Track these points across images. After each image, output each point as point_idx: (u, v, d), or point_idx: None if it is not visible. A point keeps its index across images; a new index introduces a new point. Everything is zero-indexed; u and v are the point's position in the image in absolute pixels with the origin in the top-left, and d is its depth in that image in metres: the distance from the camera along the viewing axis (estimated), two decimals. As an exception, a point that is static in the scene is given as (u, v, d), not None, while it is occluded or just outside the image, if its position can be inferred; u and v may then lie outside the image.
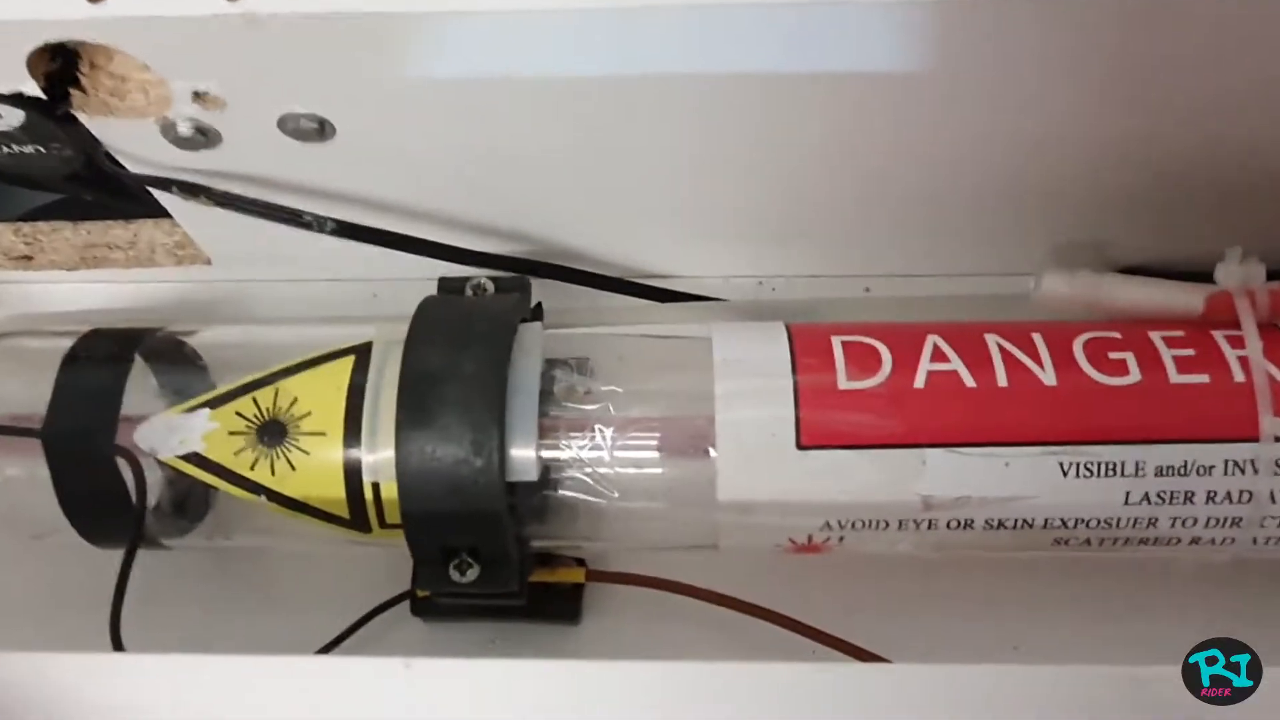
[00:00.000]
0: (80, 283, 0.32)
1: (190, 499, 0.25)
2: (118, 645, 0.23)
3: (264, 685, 0.19)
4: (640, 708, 0.18)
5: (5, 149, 0.27)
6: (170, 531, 0.25)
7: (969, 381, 0.22)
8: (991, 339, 0.23)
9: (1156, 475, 0.22)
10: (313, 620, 0.27)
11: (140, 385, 0.25)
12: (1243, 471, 0.22)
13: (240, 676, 0.19)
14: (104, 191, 0.30)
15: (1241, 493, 0.22)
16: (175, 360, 0.26)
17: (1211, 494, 0.22)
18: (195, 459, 0.23)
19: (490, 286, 0.25)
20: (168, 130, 0.24)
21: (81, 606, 0.24)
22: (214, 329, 0.28)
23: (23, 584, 0.28)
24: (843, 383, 0.23)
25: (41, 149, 0.27)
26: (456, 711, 0.17)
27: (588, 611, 0.27)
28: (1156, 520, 0.22)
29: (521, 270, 0.27)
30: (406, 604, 0.27)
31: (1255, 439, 0.22)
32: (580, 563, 0.27)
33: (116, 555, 0.24)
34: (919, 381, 0.23)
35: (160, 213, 0.31)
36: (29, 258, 0.32)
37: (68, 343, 0.26)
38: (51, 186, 0.31)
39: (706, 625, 0.26)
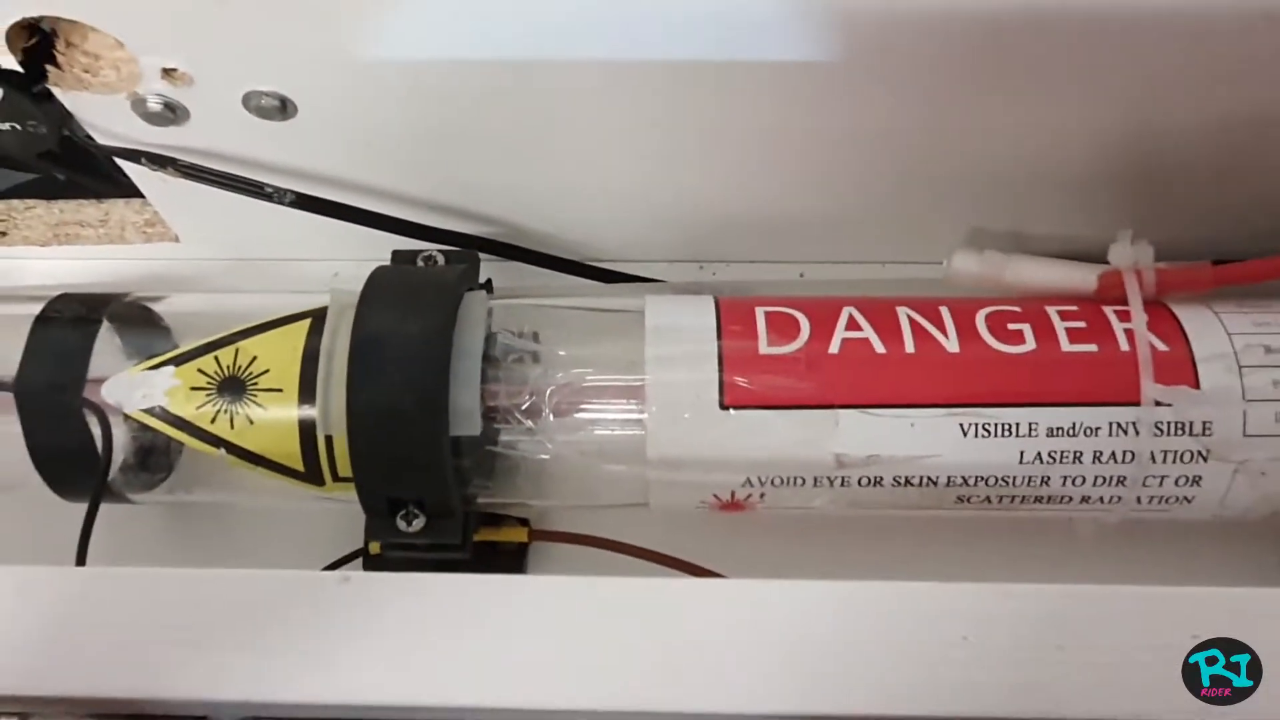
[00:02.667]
0: (52, 259, 0.33)
1: (154, 455, 0.27)
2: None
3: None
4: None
5: (-19, 126, 0.28)
6: (135, 486, 0.27)
7: (879, 348, 0.24)
8: (902, 311, 0.25)
9: (1048, 435, 0.24)
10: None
11: (108, 348, 0.27)
12: (1125, 433, 0.24)
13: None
14: (77, 170, 0.32)
15: (1125, 453, 0.24)
16: (141, 324, 0.28)
17: (1098, 454, 0.24)
18: (159, 413, 0.25)
19: (440, 258, 0.27)
20: (138, 105, 0.26)
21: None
22: (179, 296, 0.29)
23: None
24: (763, 348, 0.24)
25: (17, 126, 0.28)
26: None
27: (531, 570, 0.29)
28: (1049, 479, 0.24)
29: (473, 247, 0.29)
30: (359, 561, 0.28)
31: (1137, 403, 0.24)
32: (524, 523, 0.29)
33: (79, 514, 0.25)
34: (834, 348, 0.24)
35: (131, 192, 0.33)
36: (3, 234, 0.33)
37: (38, 307, 0.27)
38: (25, 164, 0.32)
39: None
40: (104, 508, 0.26)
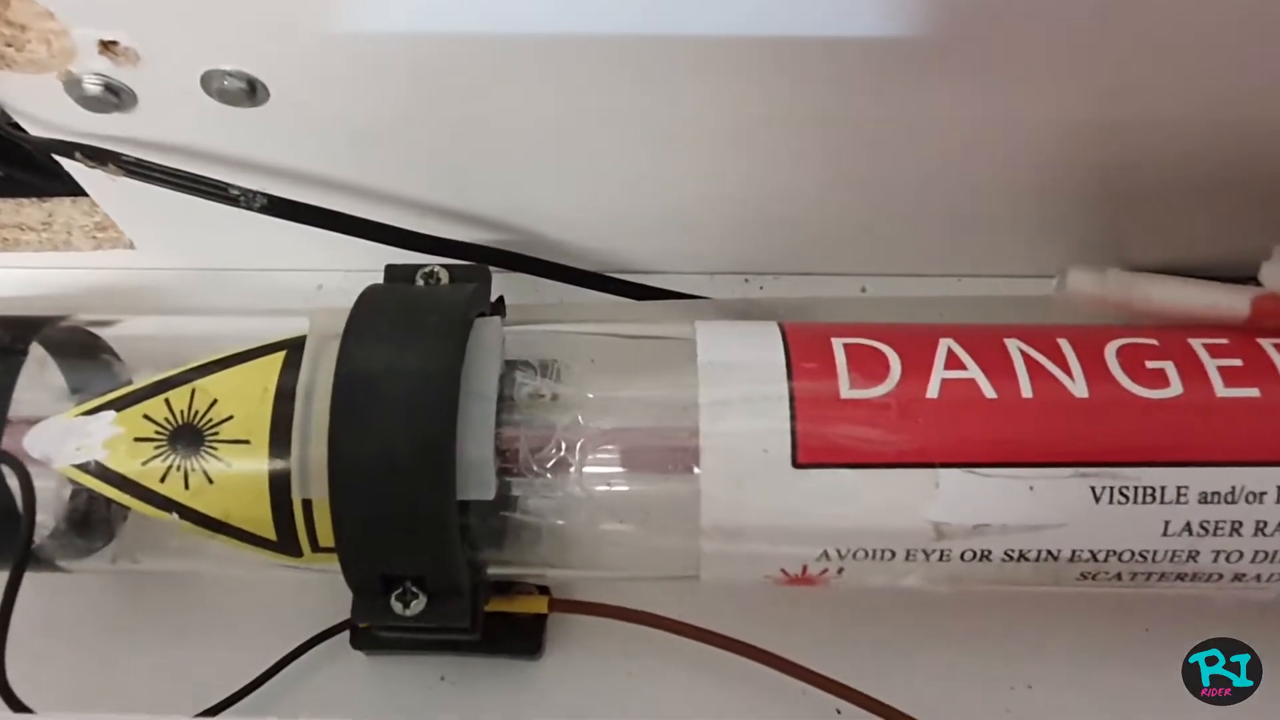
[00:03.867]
0: (-14, 268, 0.29)
1: (95, 515, 0.22)
2: (3, 685, 0.20)
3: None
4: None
5: (-105, 113, 0.23)
6: (69, 552, 0.22)
7: (988, 392, 0.20)
8: (1013, 344, 0.21)
9: (1200, 502, 0.19)
10: (242, 652, 0.24)
11: (40, 384, 0.22)
12: (1297, 498, 0.19)
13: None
14: (13, 164, 0.27)
15: (1294, 523, 0.19)
16: (85, 354, 0.23)
17: (1261, 525, 0.19)
18: (95, 469, 0.20)
19: (444, 275, 0.23)
20: (72, 87, 0.21)
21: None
22: (132, 319, 0.24)
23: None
24: (845, 391, 0.20)
25: (-64, 114, 0.24)
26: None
27: (550, 644, 0.25)
28: (1198, 554, 0.20)
29: (481, 259, 0.25)
30: (346, 635, 0.24)
31: (1311, 462, 0.19)
32: (543, 590, 0.24)
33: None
34: (932, 391, 0.20)
35: (80, 190, 0.28)
36: (-73, 238, 0.28)
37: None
38: (-47, 158, 0.27)
39: (682, 661, 0.24)
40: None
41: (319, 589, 0.24)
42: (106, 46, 0.20)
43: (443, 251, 0.25)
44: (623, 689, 0.24)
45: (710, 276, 0.28)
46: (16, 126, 0.23)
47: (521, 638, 0.24)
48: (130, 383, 0.22)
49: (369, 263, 0.25)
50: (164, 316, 0.25)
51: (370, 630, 0.24)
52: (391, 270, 0.23)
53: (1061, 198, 0.25)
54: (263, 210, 0.22)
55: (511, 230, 0.26)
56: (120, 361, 0.23)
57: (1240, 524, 0.19)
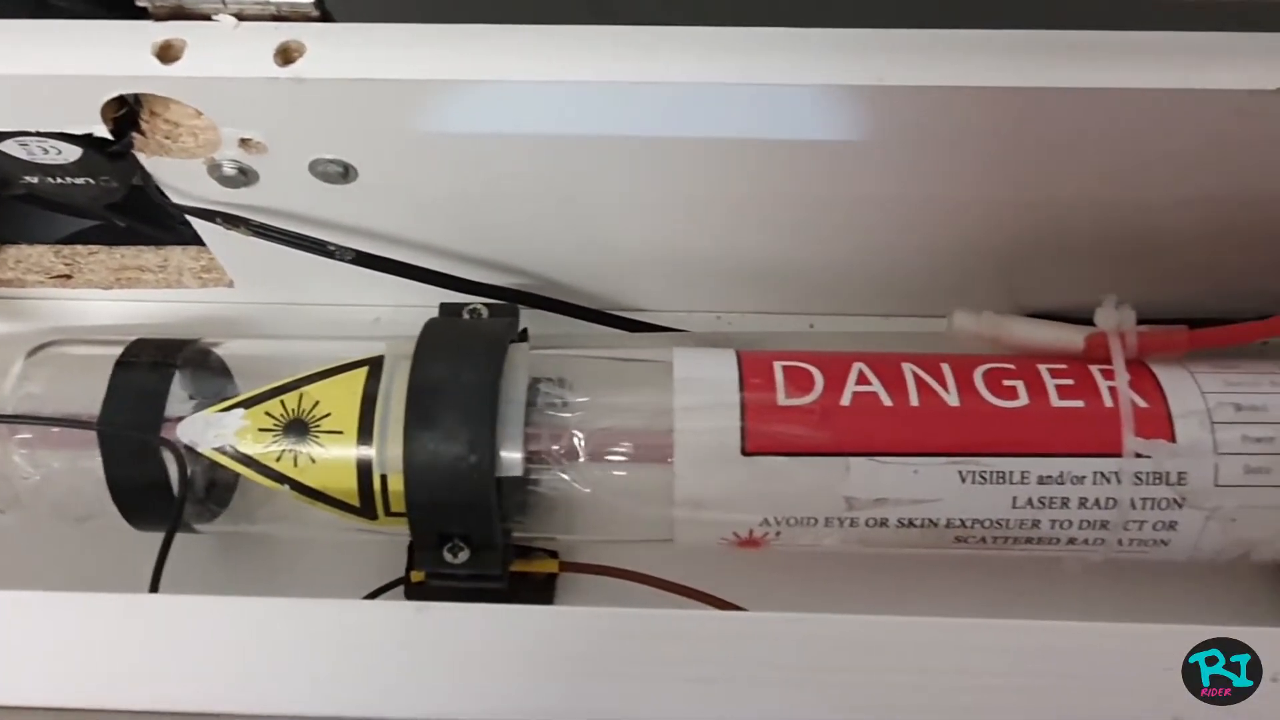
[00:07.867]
0: (112, 300, 0.36)
1: (215, 489, 0.29)
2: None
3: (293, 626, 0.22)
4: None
5: (56, 179, 0.31)
6: (201, 517, 0.29)
7: (886, 401, 0.27)
8: (907, 367, 0.27)
9: (1038, 483, 0.26)
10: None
11: (173, 388, 0.29)
12: (1109, 481, 0.26)
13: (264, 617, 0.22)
14: (137, 219, 0.34)
15: (1108, 499, 0.26)
16: (205, 367, 0.30)
17: (1083, 500, 0.26)
18: (229, 452, 0.27)
19: (484, 312, 0.30)
20: (214, 170, 0.28)
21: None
22: (237, 341, 0.31)
23: (53, 569, 0.31)
24: (781, 400, 0.27)
25: (91, 180, 0.31)
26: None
27: (559, 599, 0.31)
28: (1039, 522, 0.27)
29: (511, 300, 0.32)
30: (399, 590, 0.31)
31: (1119, 454, 0.26)
32: (553, 555, 0.31)
33: (139, 544, 0.28)
34: (845, 400, 0.27)
35: (185, 240, 0.35)
36: (68, 276, 0.35)
37: (109, 350, 0.29)
38: (91, 214, 0.34)
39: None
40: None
41: (365, 554, 0.31)
42: (245, 142, 0.27)
43: (478, 292, 0.32)
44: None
45: (689, 314, 0.35)
46: (163, 195, 0.30)
47: (537, 594, 0.31)
48: (239, 391, 0.29)
49: (411, 299, 0.32)
50: (262, 339, 0.32)
51: (420, 585, 0.30)
52: (445, 307, 0.30)
53: (963, 259, 0.31)
54: (352, 262, 0.29)
55: (531, 276, 0.33)
56: (230, 373, 0.30)
57: (1068, 499, 0.26)
